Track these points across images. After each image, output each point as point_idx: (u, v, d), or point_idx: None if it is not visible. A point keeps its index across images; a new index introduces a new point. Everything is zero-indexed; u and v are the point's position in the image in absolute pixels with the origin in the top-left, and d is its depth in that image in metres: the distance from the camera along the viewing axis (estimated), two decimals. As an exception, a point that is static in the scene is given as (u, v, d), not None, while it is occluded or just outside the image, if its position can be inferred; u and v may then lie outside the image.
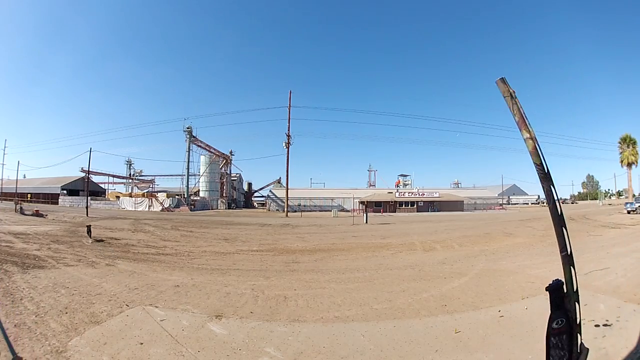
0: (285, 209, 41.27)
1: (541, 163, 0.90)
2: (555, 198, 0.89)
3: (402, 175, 77.13)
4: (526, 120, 0.93)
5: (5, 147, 53.34)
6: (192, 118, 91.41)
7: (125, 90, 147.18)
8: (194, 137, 54.25)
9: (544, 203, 70.40)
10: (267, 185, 69.68)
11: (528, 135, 0.93)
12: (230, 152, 63.35)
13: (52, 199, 54.76)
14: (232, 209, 57.00)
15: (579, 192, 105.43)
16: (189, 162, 53.83)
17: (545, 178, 0.90)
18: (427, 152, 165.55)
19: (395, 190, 60.57)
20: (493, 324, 4.13)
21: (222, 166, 62.02)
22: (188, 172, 53.89)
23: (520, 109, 0.95)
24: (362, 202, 51.22)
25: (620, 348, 3.10)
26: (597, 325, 3.73)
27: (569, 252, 0.86)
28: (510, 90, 0.94)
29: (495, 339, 3.64)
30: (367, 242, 13.33)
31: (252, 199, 74.00)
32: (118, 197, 54.76)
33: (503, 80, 0.96)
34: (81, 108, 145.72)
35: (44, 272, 6.87)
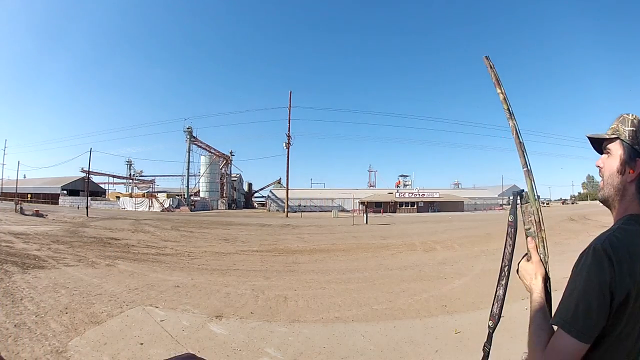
0: (286, 210, 41.30)
1: (525, 159, 1.00)
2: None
3: (402, 175, 77.38)
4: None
5: (5, 147, 53.68)
6: (192, 118, 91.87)
7: (125, 91, 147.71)
8: (194, 137, 54.27)
9: (544, 203, 70.51)
10: (268, 186, 69.68)
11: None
12: (231, 153, 63.43)
13: (52, 199, 54.78)
14: (232, 209, 57.00)
15: (579, 193, 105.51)
16: (189, 162, 53.94)
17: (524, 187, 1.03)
18: (427, 152, 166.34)
19: (396, 191, 60.58)
20: (493, 324, 4.12)
21: (222, 166, 62.03)
22: (188, 172, 53.97)
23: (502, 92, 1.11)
24: (362, 203, 51.26)
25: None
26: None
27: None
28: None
29: (496, 339, 3.63)
30: (367, 243, 13.33)
31: (253, 199, 73.95)
32: (118, 198, 54.81)
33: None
34: (81, 108, 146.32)
35: (44, 272, 6.86)
